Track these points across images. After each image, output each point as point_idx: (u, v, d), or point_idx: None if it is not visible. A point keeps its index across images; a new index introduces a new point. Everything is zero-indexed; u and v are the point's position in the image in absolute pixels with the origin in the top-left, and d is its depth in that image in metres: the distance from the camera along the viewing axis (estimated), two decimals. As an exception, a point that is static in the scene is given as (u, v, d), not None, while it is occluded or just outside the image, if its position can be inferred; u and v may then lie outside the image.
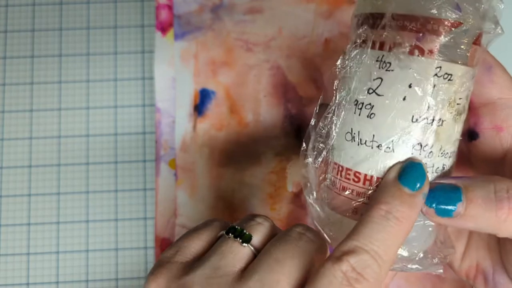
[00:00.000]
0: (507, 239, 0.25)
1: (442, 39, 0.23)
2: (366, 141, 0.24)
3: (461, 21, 0.23)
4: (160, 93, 0.43)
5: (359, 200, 0.24)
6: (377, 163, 0.24)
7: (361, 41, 0.24)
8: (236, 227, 0.25)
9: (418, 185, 0.23)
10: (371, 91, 0.24)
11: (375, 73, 0.24)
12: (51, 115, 0.45)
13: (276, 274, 0.23)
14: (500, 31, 0.24)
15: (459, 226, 0.24)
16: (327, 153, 0.26)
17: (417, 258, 0.25)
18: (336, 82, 0.26)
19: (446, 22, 0.23)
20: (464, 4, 0.23)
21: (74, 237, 0.44)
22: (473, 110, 0.28)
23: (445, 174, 0.25)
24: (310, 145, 0.27)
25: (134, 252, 0.44)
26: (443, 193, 0.23)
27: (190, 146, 0.42)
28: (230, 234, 0.25)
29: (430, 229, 0.25)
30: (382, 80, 0.23)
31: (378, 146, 0.24)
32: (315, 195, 0.27)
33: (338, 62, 0.26)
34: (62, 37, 0.47)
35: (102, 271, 0.43)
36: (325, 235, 0.26)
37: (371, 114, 0.24)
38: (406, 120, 0.23)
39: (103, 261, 0.43)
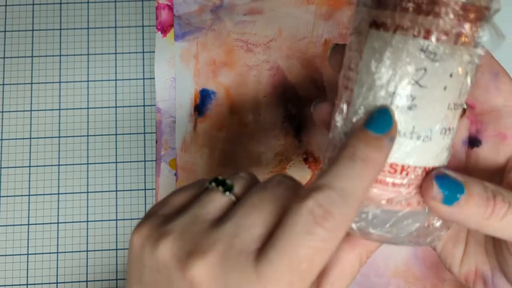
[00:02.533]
0: (503, 242, 0.26)
1: (478, 26, 0.23)
2: (405, 133, 0.23)
3: (490, 6, 0.23)
4: (161, 93, 0.43)
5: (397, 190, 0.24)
6: (415, 154, 0.24)
7: (400, 25, 0.22)
8: (219, 177, 0.26)
9: (385, 129, 0.23)
10: (413, 83, 0.22)
11: (420, 63, 0.22)
12: (51, 115, 0.45)
13: (252, 218, 0.23)
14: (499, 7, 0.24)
15: (451, 217, 0.24)
16: None
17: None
18: (352, 73, 0.24)
19: (482, 9, 0.23)
20: None
21: (74, 237, 0.44)
22: (475, 116, 0.28)
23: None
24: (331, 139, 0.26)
25: (134, 252, 0.44)
26: (451, 183, 0.24)
27: (190, 146, 0.42)
28: (213, 183, 0.25)
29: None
30: (426, 71, 0.22)
31: (418, 138, 0.23)
32: None
33: (355, 45, 0.24)
34: (62, 37, 0.47)
35: (102, 271, 0.43)
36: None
37: (412, 106, 0.23)
38: (444, 108, 0.23)
39: (103, 261, 0.43)
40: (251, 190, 0.25)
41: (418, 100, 0.23)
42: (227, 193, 0.25)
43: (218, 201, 0.25)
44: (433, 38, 0.22)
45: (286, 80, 0.43)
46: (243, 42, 0.43)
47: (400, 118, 0.23)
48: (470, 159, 0.28)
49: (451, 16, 0.22)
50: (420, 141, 0.23)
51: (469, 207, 0.24)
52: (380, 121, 0.23)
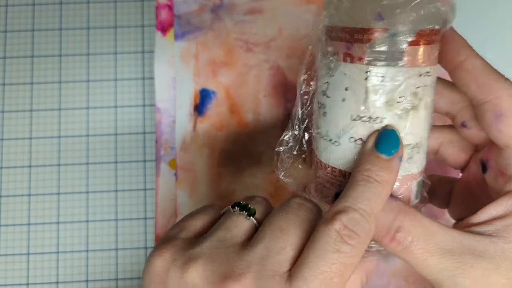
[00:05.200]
0: None
1: (369, 46, 0.25)
2: (323, 135, 0.27)
3: (386, 28, 0.25)
4: (160, 93, 0.43)
5: (318, 181, 0.29)
6: (329, 154, 0.27)
7: (322, 50, 0.28)
8: (241, 202, 0.27)
9: (393, 150, 0.25)
10: (323, 93, 0.27)
11: (325, 78, 0.27)
12: (51, 115, 0.45)
13: (281, 241, 0.24)
14: (449, 29, 0.26)
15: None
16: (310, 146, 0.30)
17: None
18: (310, 87, 0.29)
19: (370, 31, 0.25)
20: (387, 12, 0.25)
21: (74, 237, 0.44)
22: (487, 144, 0.29)
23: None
24: (290, 134, 0.31)
25: (134, 252, 0.44)
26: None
27: (190, 146, 0.42)
28: (236, 208, 0.27)
29: None
30: (329, 84, 0.27)
31: (330, 140, 0.27)
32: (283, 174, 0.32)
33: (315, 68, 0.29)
34: (62, 37, 0.47)
35: (102, 271, 0.43)
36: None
37: (324, 112, 0.27)
38: (347, 118, 0.26)
39: (103, 261, 0.43)
40: (274, 214, 0.26)
41: (327, 108, 0.27)
42: (251, 217, 0.27)
43: (242, 225, 0.26)
44: (330, 57, 0.27)
45: (286, 80, 0.43)
46: (243, 41, 0.43)
47: (319, 121, 0.28)
48: (485, 181, 0.29)
49: (335, 38, 0.26)
50: (332, 143, 0.27)
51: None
52: (388, 143, 0.25)
